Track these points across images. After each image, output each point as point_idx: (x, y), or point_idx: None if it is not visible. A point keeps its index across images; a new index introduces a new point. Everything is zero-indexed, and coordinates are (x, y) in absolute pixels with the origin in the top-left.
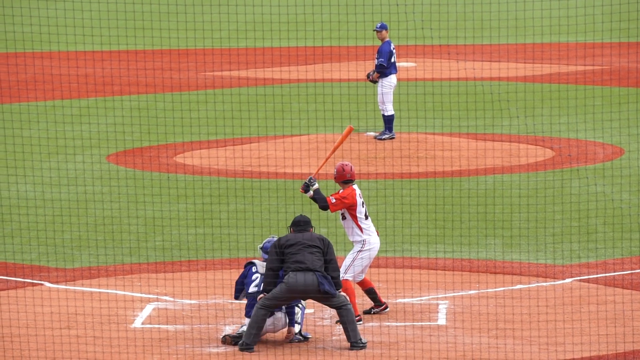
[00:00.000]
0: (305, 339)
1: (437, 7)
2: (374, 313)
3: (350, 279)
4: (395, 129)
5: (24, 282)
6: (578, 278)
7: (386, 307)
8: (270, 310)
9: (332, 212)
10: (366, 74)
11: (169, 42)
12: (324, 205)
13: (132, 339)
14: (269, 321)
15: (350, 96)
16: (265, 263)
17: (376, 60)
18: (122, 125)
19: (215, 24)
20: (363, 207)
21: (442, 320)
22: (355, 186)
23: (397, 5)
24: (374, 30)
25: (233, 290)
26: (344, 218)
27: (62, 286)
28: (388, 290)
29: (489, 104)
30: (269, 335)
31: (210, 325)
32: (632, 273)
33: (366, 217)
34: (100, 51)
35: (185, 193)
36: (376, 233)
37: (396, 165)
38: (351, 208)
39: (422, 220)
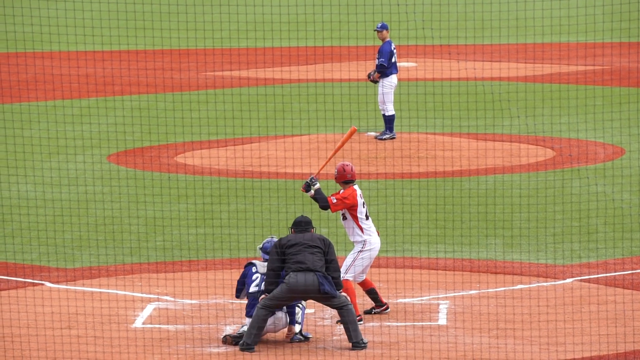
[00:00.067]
0: (306, 339)
1: (438, 7)
2: (374, 313)
3: (351, 279)
4: (395, 129)
5: (25, 282)
6: (579, 278)
7: (387, 308)
8: (271, 311)
9: (332, 212)
10: (367, 74)
11: (169, 42)
12: (324, 205)
13: (133, 339)
14: (269, 321)
15: (351, 96)
16: (265, 263)
17: (377, 60)
18: (122, 125)
19: (216, 24)
20: (364, 207)
21: (442, 320)
22: (356, 186)
23: (398, 5)
24: (374, 30)
25: (234, 290)
26: (344, 218)
27: (62, 286)
28: (389, 290)
29: (489, 104)
30: (270, 335)
31: (210, 325)
32: (632, 273)
33: (367, 218)
34: (101, 51)
35: (185, 193)
36: (377, 233)
37: (397, 165)
38: (352, 208)
39: (422, 220)
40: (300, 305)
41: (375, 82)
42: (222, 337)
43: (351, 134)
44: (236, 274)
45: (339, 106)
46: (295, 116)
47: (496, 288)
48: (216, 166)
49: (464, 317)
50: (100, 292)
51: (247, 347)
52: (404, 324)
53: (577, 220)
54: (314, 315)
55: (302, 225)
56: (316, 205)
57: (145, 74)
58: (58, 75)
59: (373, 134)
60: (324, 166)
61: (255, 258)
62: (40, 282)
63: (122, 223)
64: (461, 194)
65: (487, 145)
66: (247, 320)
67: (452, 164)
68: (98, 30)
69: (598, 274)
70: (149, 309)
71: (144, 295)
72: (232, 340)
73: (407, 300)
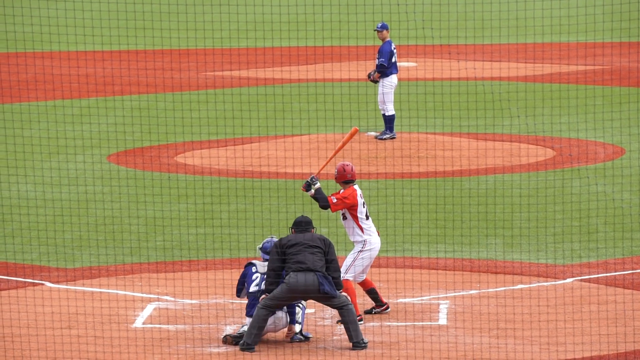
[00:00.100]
0: (306, 338)
1: (438, 6)
2: (374, 313)
3: (351, 279)
4: (396, 128)
5: (25, 282)
6: (579, 278)
7: (387, 308)
8: (271, 311)
9: (332, 211)
10: (367, 73)
11: (169, 42)
12: (324, 204)
13: (133, 339)
14: (270, 320)
15: (351, 96)
16: (264, 263)
17: (377, 60)
18: (122, 125)
19: (215, 24)
20: (364, 207)
21: (443, 320)
22: (356, 186)
23: (398, 5)
24: (374, 30)
25: (234, 290)
26: (344, 218)
27: (62, 286)
28: (389, 290)
29: (489, 103)
30: (270, 335)
31: (211, 325)
32: (632, 273)
33: (367, 217)
34: (101, 51)
35: (186, 193)
36: (377, 233)
37: (397, 165)
38: (352, 208)
39: (422, 220)
40: (300, 305)
41: (376, 82)
42: (222, 337)
43: (352, 134)
44: (236, 274)
45: (339, 106)
46: (295, 116)
47: (496, 288)
48: (216, 166)
49: (464, 317)
50: (101, 292)
51: (248, 347)
52: (404, 323)
53: (577, 220)
54: (314, 315)
55: (302, 225)
56: (316, 206)
57: (145, 74)
58: (58, 75)
59: (373, 133)
60: (324, 166)
61: (255, 258)
62: (40, 282)
63: (122, 223)
64: (461, 193)
65: (487, 145)
66: (248, 320)
67: (452, 164)
68: (98, 30)
69: (598, 273)
70: (149, 308)
71: (144, 295)
72: (232, 340)
73: (407, 300)
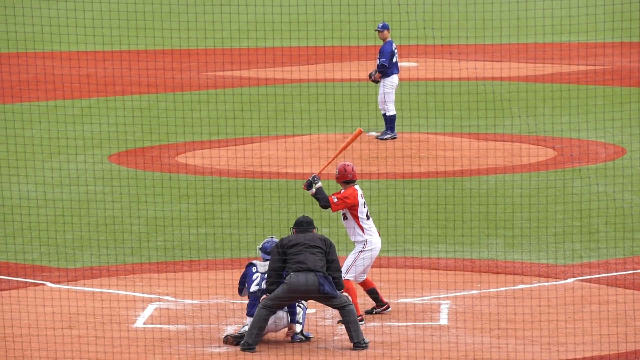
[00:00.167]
0: (307, 338)
1: (439, 6)
2: (375, 313)
3: (352, 279)
4: (397, 128)
5: (26, 282)
6: (580, 278)
7: (388, 307)
8: (272, 311)
9: (333, 211)
10: (368, 73)
11: (170, 42)
12: (325, 204)
13: (134, 339)
14: (270, 320)
15: (352, 96)
16: (265, 263)
17: (378, 60)
18: (124, 125)
19: (217, 24)
20: (365, 207)
21: (444, 320)
22: (356, 186)
23: (399, 5)
24: (375, 30)
25: (235, 289)
26: (345, 218)
27: (63, 286)
28: (390, 290)
29: (490, 103)
30: (271, 335)
31: (212, 325)
32: (634, 273)
33: (368, 217)
34: (102, 51)
35: (187, 193)
36: (377, 233)
37: (398, 165)
38: (353, 208)
39: (424, 220)
40: (301, 305)
41: (377, 82)
42: (223, 337)
43: (356, 135)
44: (237, 274)
45: (340, 106)
46: (296, 116)
47: (497, 288)
48: (217, 166)
49: (465, 317)
50: (101, 292)
51: (248, 347)
52: (405, 324)
53: (578, 220)
54: (315, 315)
55: (303, 225)
56: (317, 206)
57: (146, 74)
58: (59, 75)
59: (374, 134)
60: (326, 166)
61: (256, 258)
62: (41, 282)
63: (123, 223)
64: (462, 193)
65: (488, 145)
66: (248, 320)
67: (453, 164)
68: (99, 30)
69: (599, 273)
70: (150, 309)
71: (145, 295)
72: (233, 340)
73: (408, 300)
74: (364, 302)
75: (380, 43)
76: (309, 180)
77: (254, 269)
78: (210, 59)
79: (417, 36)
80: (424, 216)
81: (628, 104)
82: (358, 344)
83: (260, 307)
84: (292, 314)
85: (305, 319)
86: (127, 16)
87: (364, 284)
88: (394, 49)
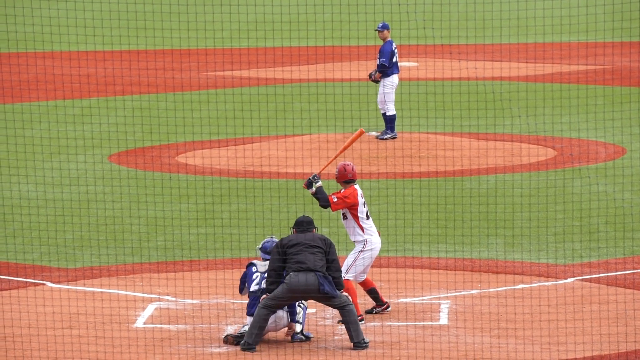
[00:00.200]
0: (307, 338)
1: (439, 6)
2: (375, 313)
3: (352, 278)
4: (397, 128)
5: (26, 282)
6: (580, 277)
7: (388, 307)
8: (272, 310)
9: (333, 210)
10: (368, 73)
11: (171, 42)
12: (325, 203)
13: (134, 339)
14: (270, 319)
15: (352, 96)
16: (265, 263)
17: (378, 60)
18: (124, 125)
19: (217, 24)
20: (364, 207)
21: (444, 319)
22: (356, 186)
23: (399, 4)
24: (375, 30)
25: (236, 289)
26: (345, 218)
27: (64, 286)
28: (390, 290)
29: (490, 103)
30: (271, 335)
31: (212, 325)
32: (634, 273)
33: (367, 217)
34: (103, 51)
35: (187, 193)
36: (377, 233)
37: (398, 165)
38: (352, 207)
39: (424, 219)
40: (301, 305)
41: (377, 81)
42: (223, 337)
43: (358, 135)
44: (237, 274)
45: (340, 106)
46: (297, 116)
47: (497, 288)
48: (217, 166)
49: (465, 317)
50: (102, 292)
51: (249, 347)
52: (405, 323)
53: (578, 219)
54: (316, 315)
55: (303, 225)
56: (317, 206)
57: (146, 74)
58: (59, 75)
59: (374, 133)
60: (327, 165)
61: (256, 258)
62: (41, 282)
63: (123, 223)
64: (462, 193)
65: (488, 145)
66: (248, 320)
67: (453, 164)
68: (99, 30)
69: (599, 273)
70: (150, 308)
71: (145, 295)
72: (233, 340)
73: (408, 299)
74: (364, 301)
75: (380, 43)
76: (309, 179)
77: (253, 269)
78: (210, 58)
79: (417, 36)
80: (424, 216)
81: (628, 104)
82: (358, 343)
83: (260, 307)
84: (292, 313)
85: (306, 319)
86: (127, 16)
87: (364, 284)
88: (394, 48)
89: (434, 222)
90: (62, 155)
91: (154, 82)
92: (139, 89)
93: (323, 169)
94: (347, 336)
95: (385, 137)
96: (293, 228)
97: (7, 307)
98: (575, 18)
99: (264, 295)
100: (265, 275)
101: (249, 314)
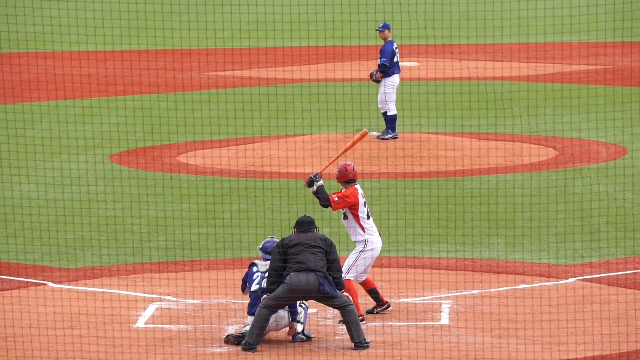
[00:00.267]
0: (308, 338)
1: (440, 6)
2: (376, 312)
3: (352, 278)
4: (398, 128)
5: (27, 282)
6: (581, 277)
7: (388, 306)
8: (273, 310)
9: (333, 210)
10: (369, 73)
11: (172, 42)
12: (325, 203)
13: (135, 339)
14: (271, 319)
15: (354, 95)
16: (265, 262)
17: (379, 60)
18: (125, 125)
19: (218, 24)
20: (365, 206)
21: (445, 319)
22: (357, 186)
23: (400, 4)
24: (376, 30)
25: (237, 289)
26: (345, 218)
27: (65, 286)
28: (391, 290)
29: (492, 103)
30: (272, 335)
31: (213, 325)
32: (635, 272)
33: (368, 217)
34: (104, 51)
35: (188, 193)
36: (378, 233)
37: (399, 165)
38: (353, 207)
39: (425, 219)
40: (303, 305)
41: (378, 81)
42: (224, 337)
43: (362, 136)
44: (238, 274)
45: (342, 106)
46: (298, 116)
47: (498, 288)
48: (218, 166)
49: (466, 317)
50: (103, 292)
51: (250, 347)
52: (406, 323)
53: (579, 219)
54: (317, 315)
55: (304, 225)
56: (318, 205)
57: (147, 74)
58: (60, 75)
59: (375, 133)
60: (329, 165)
61: (258, 258)
62: (42, 282)
63: (124, 223)
64: (463, 193)
65: (490, 145)
66: (250, 319)
67: (454, 164)
68: (100, 30)
69: (600, 273)
70: (151, 308)
71: (146, 295)
72: (234, 340)
73: (409, 299)
74: (365, 301)
75: (381, 43)
76: (310, 177)
77: (254, 269)
78: (211, 58)
79: (418, 36)
80: (425, 216)
81: (629, 104)
82: (359, 343)
83: (261, 307)
84: (294, 313)
85: (307, 319)
86: (128, 16)
87: (365, 284)
88: (394, 48)
89: (435, 222)
90: (63, 155)
91: (155, 82)
92: (140, 89)
93: (324, 168)
94: (348, 336)
95: (386, 137)
96: (294, 228)
97: (8, 307)
98: (576, 18)
99: (265, 295)
100: (266, 275)
101: (250, 313)
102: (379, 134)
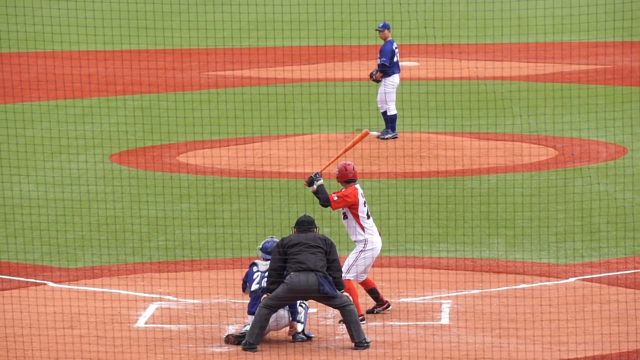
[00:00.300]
0: (309, 338)
1: (440, 6)
2: (376, 312)
3: (353, 278)
4: (398, 128)
5: (27, 281)
6: (581, 277)
7: (388, 306)
8: (273, 310)
9: (333, 209)
10: (369, 73)
11: (172, 41)
12: (325, 202)
13: (135, 339)
14: (272, 319)
15: (354, 95)
16: (265, 262)
17: (378, 59)
18: (125, 125)
19: (218, 24)
20: (365, 206)
21: (445, 319)
22: (357, 185)
23: (400, 4)
24: (376, 30)
25: (237, 289)
26: (345, 217)
27: (65, 286)
28: (391, 290)
29: (491, 103)
30: (272, 335)
31: (213, 325)
32: (635, 272)
33: (368, 217)
34: (104, 51)
35: (188, 192)
36: (378, 233)
37: (399, 165)
38: (353, 207)
39: (425, 219)
40: (303, 305)
41: (378, 81)
42: (224, 336)
43: (362, 137)
44: (238, 274)
45: (342, 105)
46: (298, 115)
47: (499, 287)
48: (218, 166)
49: (467, 317)
50: (103, 292)
51: (250, 347)
52: (406, 323)
53: (579, 219)
54: (317, 315)
55: (304, 224)
56: (318, 205)
57: (147, 74)
58: (60, 74)
59: (375, 133)
60: (329, 165)
61: (259, 258)
62: (42, 281)
63: (124, 223)
64: (463, 193)
65: (490, 145)
66: (250, 319)
67: (454, 163)
68: (100, 30)
69: (600, 273)
70: (152, 308)
71: (147, 295)
72: (234, 339)
73: (409, 299)
74: (365, 301)
75: (381, 42)
76: (311, 176)
77: (254, 269)
78: (211, 58)
79: (418, 35)
80: (425, 215)
81: (629, 103)
82: (359, 343)
83: (261, 307)
84: (294, 312)
85: (307, 319)
86: (128, 16)
87: (365, 284)
88: (394, 48)
89: (435, 222)
90: (63, 155)
91: (155, 81)
92: (140, 89)
93: (325, 168)
94: (349, 336)
95: (387, 136)
96: (294, 228)
97: (8, 307)
98: (576, 17)
99: (265, 295)
100: (266, 274)
101: (250, 313)
102: (379, 133)
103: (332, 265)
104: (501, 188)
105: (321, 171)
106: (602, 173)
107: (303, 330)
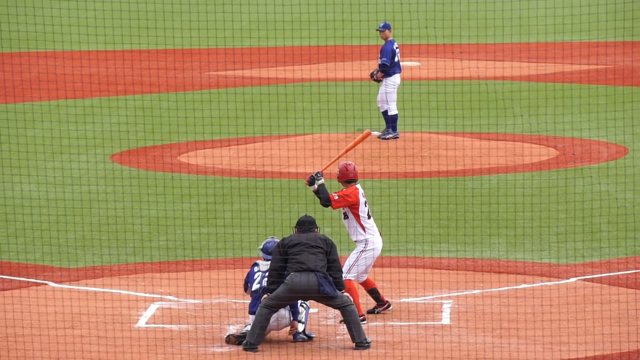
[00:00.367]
0: (310, 338)
1: (441, 6)
2: (377, 312)
3: (353, 278)
4: (399, 128)
5: (28, 281)
6: (582, 277)
7: (389, 306)
8: (273, 310)
9: (334, 208)
10: (370, 73)
11: (173, 41)
12: (326, 202)
13: (136, 339)
14: (272, 318)
15: (355, 95)
16: (266, 262)
17: (379, 59)
18: (126, 125)
19: (219, 24)
20: (366, 206)
21: (446, 319)
22: (358, 185)
23: (401, 4)
24: (376, 30)
25: (237, 289)
26: (346, 217)
27: (66, 286)
28: (392, 290)
29: (493, 103)
30: (273, 335)
31: (214, 325)
32: (636, 272)
33: (369, 217)
34: (105, 50)
35: (189, 192)
36: (379, 233)
37: (400, 165)
38: (353, 207)
39: (426, 219)
40: (304, 304)
41: (379, 81)
42: (225, 336)
43: (364, 137)
44: (239, 274)
45: (342, 105)
46: (299, 115)
47: (499, 287)
48: (219, 166)
49: (468, 317)
50: (104, 292)
51: (251, 347)
52: (407, 323)
53: (580, 219)
54: (318, 315)
55: (305, 225)
56: (319, 205)
57: (148, 74)
58: (61, 74)
59: (376, 133)
60: (330, 164)
61: (259, 258)
62: (43, 281)
63: (125, 223)
64: (464, 193)
65: (491, 145)
66: (251, 318)
67: (455, 164)
68: (101, 30)
69: (601, 273)
70: (152, 308)
71: (147, 295)
72: (235, 339)
73: (410, 299)
74: (366, 301)
75: (382, 42)
76: (312, 176)
77: (255, 269)
78: (212, 58)
79: (419, 35)
80: (426, 216)
81: (630, 104)
82: (360, 343)
83: (262, 307)
84: (295, 312)
85: (308, 319)
86: (129, 16)
87: (365, 284)
88: (395, 48)
89: (436, 222)
90: (64, 155)
91: (156, 81)
92: (141, 89)
93: (326, 167)
94: (349, 336)
95: (388, 136)
96: (295, 228)
97: (9, 307)
98: (578, 17)
99: (265, 295)
100: (267, 274)
101: (251, 313)
102: (380, 133)
103: (333, 266)
104: (502, 188)
105: (322, 171)
106: (603, 173)
107: (304, 330)
